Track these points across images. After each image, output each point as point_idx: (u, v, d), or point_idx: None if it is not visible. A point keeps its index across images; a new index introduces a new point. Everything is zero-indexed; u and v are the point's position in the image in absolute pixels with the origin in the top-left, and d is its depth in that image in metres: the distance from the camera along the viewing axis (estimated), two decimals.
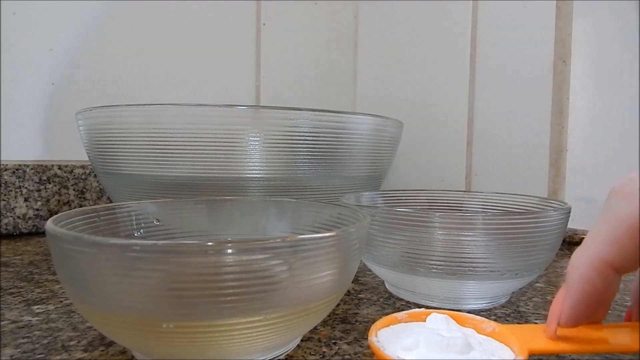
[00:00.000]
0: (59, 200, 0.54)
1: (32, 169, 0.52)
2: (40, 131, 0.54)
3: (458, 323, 0.22)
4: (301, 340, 0.24)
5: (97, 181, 0.56)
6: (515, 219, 0.28)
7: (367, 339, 0.25)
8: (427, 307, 0.29)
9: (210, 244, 0.17)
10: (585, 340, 0.20)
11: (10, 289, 0.33)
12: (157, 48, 0.60)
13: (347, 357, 0.23)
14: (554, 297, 0.32)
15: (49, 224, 0.20)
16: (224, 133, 0.36)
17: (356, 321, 0.27)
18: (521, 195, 0.37)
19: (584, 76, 0.49)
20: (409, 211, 0.29)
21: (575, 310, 0.20)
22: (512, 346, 0.20)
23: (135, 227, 0.28)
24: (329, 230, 0.25)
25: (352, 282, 0.35)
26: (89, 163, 0.48)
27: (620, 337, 0.20)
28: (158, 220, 0.29)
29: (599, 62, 0.48)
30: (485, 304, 0.30)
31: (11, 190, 0.51)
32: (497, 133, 0.56)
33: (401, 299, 0.31)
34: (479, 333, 0.21)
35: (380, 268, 0.31)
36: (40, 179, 0.53)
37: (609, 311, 0.30)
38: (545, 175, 0.51)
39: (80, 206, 0.55)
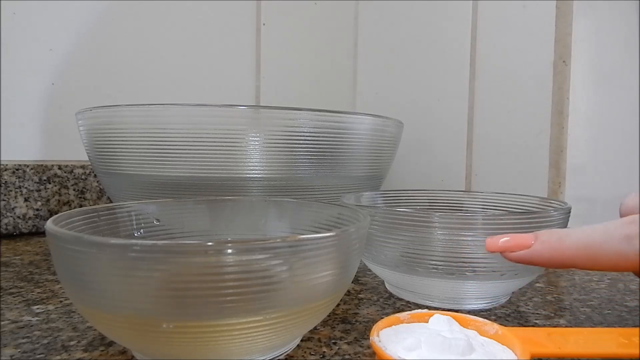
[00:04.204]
0: (59, 200, 0.54)
1: (32, 169, 0.52)
2: (40, 131, 0.54)
3: (461, 325, 0.22)
4: (301, 340, 0.24)
5: (97, 181, 0.56)
6: (515, 219, 0.28)
7: (367, 339, 0.25)
8: (427, 307, 0.29)
9: (210, 244, 0.17)
10: (588, 345, 0.20)
11: (10, 289, 0.33)
12: (157, 48, 0.60)
13: (347, 357, 0.23)
14: (554, 297, 0.33)
15: (49, 224, 0.20)
16: (224, 133, 0.36)
17: (356, 321, 0.27)
18: (521, 195, 0.37)
19: (584, 76, 0.49)
20: (409, 211, 0.29)
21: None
22: (514, 349, 0.20)
23: (135, 227, 0.28)
24: (329, 230, 0.25)
25: (352, 282, 0.35)
26: (89, 163, 0.48)
27: (623, 342, 0.20)
28: (158, 220, 0.29)
29: (599, 62, 0.48)
30: (485, 304, 0.30)
31: (11, 190, 0.51)
32: (497, 133, 0.56)
33: (401, 299, 0.31)
34: (481, 335, 0.21)
35: (380, 268, 0.31)
36: (40, 179, 0.53)
37: (609, 311, 0.30)
38: (545, 175, 0.51)
39: (80, 206, 0.55)
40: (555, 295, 0.33)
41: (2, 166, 0.51)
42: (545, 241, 0.22)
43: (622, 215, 0.26)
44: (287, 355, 0.23)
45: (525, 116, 0.53)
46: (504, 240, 0.23)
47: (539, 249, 0.22)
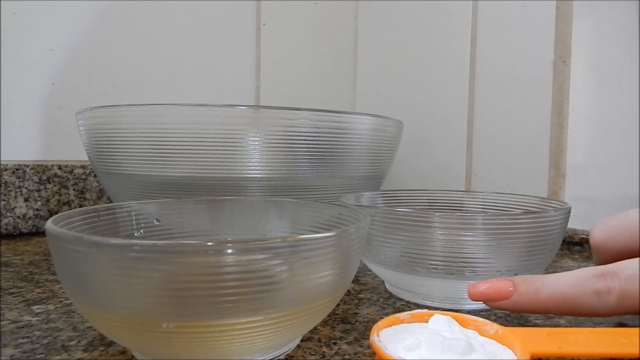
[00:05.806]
0: (59, 200, 0.54)
1: (32, 169, 0.52)
2: (40, 131, 0.54)
3: (461, 325, 0.22)
4: (301, 340, 0.24)
5: (97, 181, 0.56)
6: (515, 219, 0.28)
7: (367, 339, 0.25)
8: (427, 307, 0.29)
9: (210, 244, 0.17)
10: (588, 345, 0.20)
11: (10, 289, 0.33)
12: (157, 48, 0.60)
13: (347, 357, 0.23)
14: None
15: (49, 224, 0.20)
16: (224, 133, 0.36)
17: (356, 321, 0.27)
18: (521, 195, 0.37)
19: (584, 76, 0.49)
20: (409, 211, 0.29)
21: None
22: (514, 349, 0.20)
23: (135, 227, 0.28)
24: (329, 230, 0.25)
25: (352, 282, 0.35)
26: (89, 163, 0.48)
27: (623, 342, 0.20)
28: (158, 220, 0.29)
29: (599, 62, 0.48)
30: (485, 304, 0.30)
31: (11, 190, 0.51)
32: (497, 133, 0.56)
33: (401, 299, 0.31)
34: (481, 335, 0.21)
35: (380, 268, 0.31)
36: (40, 179, 0.53)
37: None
38: (545, 175, 0.51)
39: (80, 206, 0.55)
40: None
41: (2, 166, 0.51)
42: (524, 293, 0.23)
43: (593, 246, 0.27)
44: (287, 355, 0.23)
45: (525, 116, 0.53)
46: (484, 288, 0.24)
47: (519, 301, 0.23)
